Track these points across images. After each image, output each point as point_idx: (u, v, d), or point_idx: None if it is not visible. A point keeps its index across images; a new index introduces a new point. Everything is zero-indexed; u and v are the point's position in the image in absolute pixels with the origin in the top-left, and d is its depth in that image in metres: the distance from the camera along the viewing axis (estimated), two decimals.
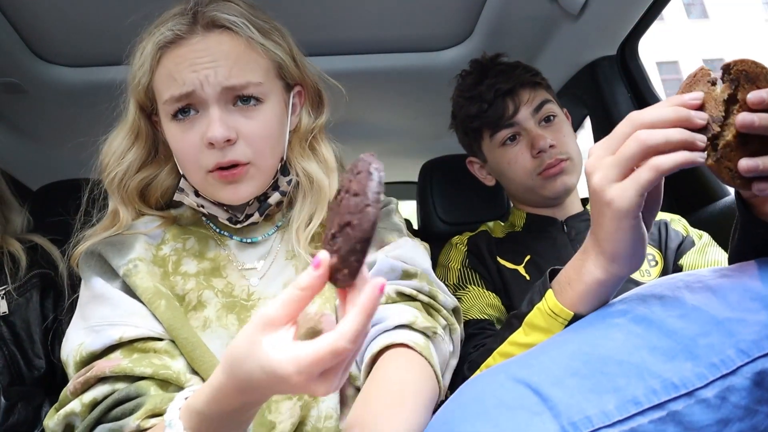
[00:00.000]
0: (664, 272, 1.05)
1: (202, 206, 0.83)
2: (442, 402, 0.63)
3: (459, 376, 0.83)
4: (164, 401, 0.65)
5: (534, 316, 0.71)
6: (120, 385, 0.69)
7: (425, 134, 2.16)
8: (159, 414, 0.65)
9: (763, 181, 0.52)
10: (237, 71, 0.76)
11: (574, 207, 1.17)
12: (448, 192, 1.58)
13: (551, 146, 1.08)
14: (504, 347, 0.76)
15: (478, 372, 0.79)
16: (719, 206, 1.29)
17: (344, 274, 0.45)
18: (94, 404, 0.68)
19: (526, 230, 1.18)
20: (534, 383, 0.49)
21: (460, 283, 1.09)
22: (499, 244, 1.15)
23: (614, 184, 0.55)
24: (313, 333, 0.47)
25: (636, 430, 0.45)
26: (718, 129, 0.52)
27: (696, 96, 0.54)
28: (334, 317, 0.64)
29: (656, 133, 0.52)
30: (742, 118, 0.50)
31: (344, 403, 0.74)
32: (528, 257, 1.10)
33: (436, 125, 1.75)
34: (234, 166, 0.77)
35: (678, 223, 1.12)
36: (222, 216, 0.83)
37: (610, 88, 1.49)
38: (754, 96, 0.50)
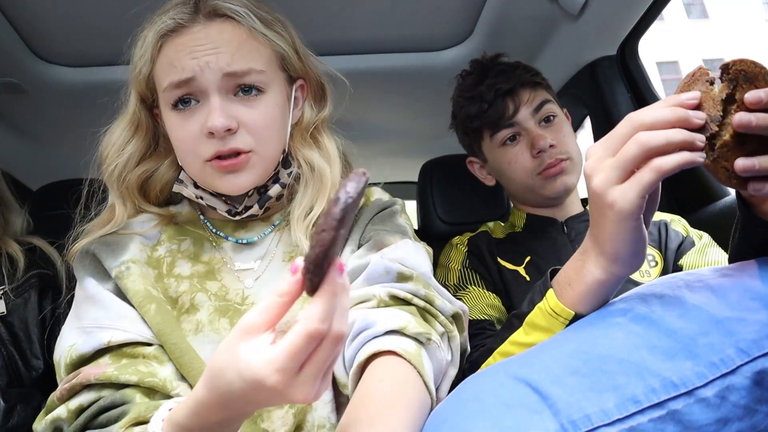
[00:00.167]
0: (664, 272, 1.05)
1: (201, 197, 0.82)
2: None
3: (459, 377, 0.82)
4: (149, 409, 0.64)
5: (535, 315, 0.71)
6: (106, 392, 0.68)
7: (425, 134, 2.16)
8: (144, 422, 0.63)
9: (759, 181, 0.52)
10: (239, 58, 0.75)
11: (574, 207, 1.18)
12: (448, 192, 1.57)
13: (551, 146, 1.09)
14: (504, 347, 0.76)
15: None
16: (719, 206, 1.29)
17: (306, 287, 0.45)
18: (80, 410, 0.68)
19: (527, 231, 1.18)
20: (534, 381, 0.49)
21: (461, 284, 1.09)
22: (499, 245, 1.15)
23: (616, 187, 0.55)
24: None
25: (635, 429, 0.45)
26: (716, 128, 0.52)
27: (693, 95, 0.54)
28: None
29: (657, 134, 0.52)
30: (740, 117, 0.50)
31: (339, 411, 0.72)
32: (528, 258, 1.10)
33: (436, 125, 1.76)
34: (236, 155, 0.75)
35: (678, 224, 1.12)
36: (221, 207, 0.82)
37: (610, 88, 1.49)
38: (751, 96, 0.50)
